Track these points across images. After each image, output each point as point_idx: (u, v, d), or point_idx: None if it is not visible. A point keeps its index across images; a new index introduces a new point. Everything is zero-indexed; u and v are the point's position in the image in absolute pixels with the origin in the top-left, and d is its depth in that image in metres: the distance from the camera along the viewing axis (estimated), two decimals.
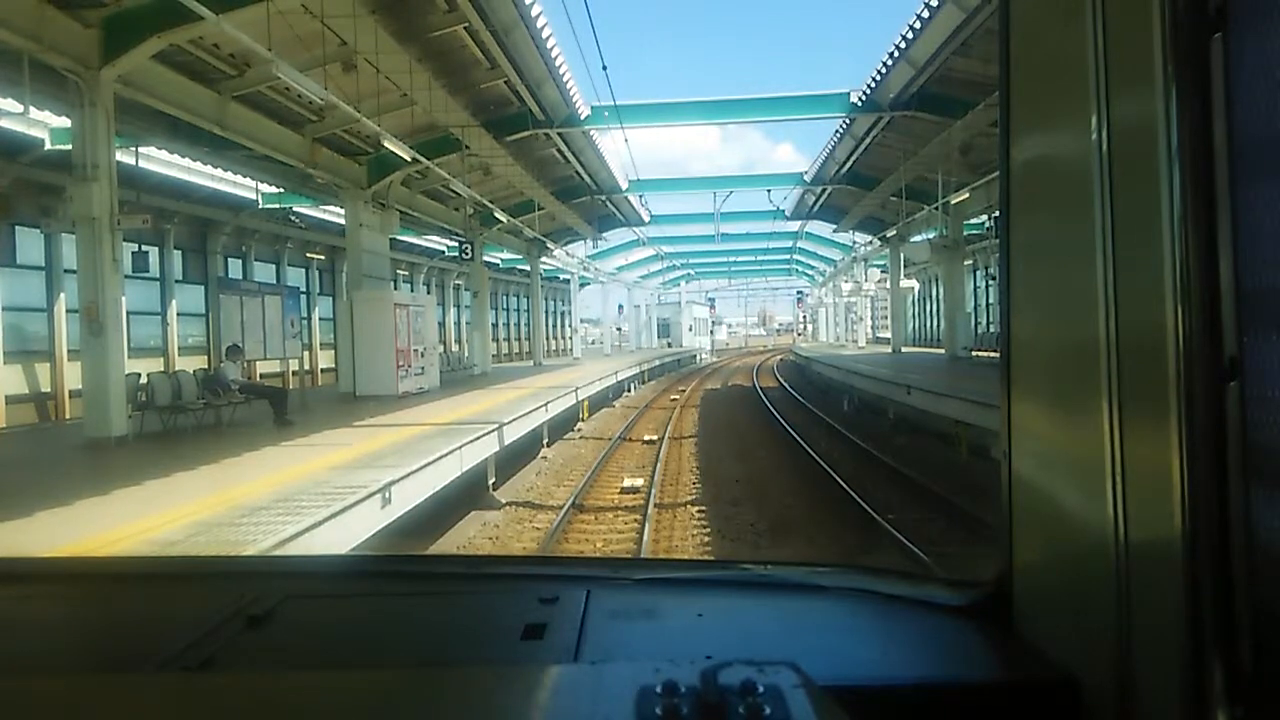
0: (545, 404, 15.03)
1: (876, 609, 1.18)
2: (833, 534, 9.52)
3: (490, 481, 11.59)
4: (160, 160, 16.05)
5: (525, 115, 17.75)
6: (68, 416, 14.97)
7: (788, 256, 51.25)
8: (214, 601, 1.16)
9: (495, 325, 36.74)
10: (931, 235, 24.61)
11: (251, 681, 0.82)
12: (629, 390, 29.47)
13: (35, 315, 15.32)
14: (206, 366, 15.56)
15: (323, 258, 25.13)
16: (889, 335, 35.96)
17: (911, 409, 15.77)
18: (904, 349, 31.97)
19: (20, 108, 10.31)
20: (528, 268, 32.77)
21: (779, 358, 51.49)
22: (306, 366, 20.84)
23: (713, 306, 67.96)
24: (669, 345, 54.05)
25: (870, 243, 32.87)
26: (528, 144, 19.67)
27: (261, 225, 21.93)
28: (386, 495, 7.23)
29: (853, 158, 23.37)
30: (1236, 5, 0.69)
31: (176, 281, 19.26)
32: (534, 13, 13.51)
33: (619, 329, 52.75)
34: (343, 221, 19.52)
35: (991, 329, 26.61)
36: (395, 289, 23.78)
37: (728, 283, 64.78)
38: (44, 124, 13.34)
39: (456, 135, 17.38)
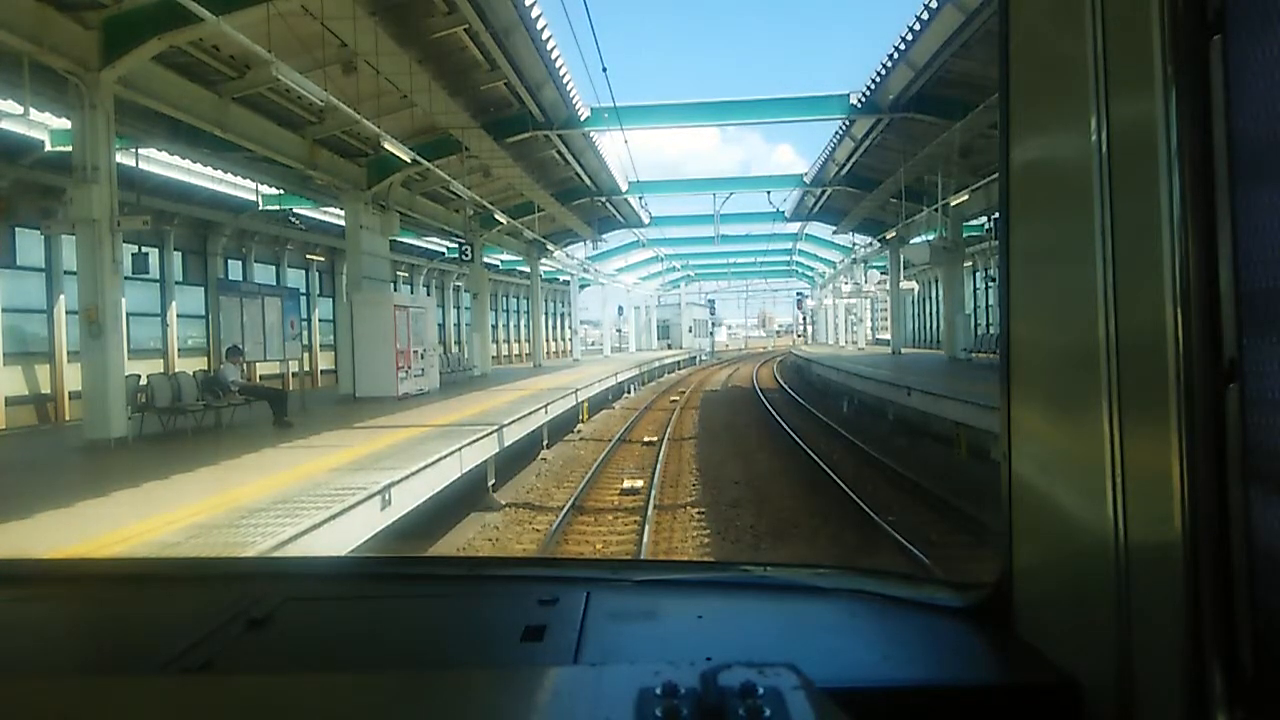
0: (545, 406, 15.04)
1: (876, 611, 1.18)
2: (832, 535, 9.52)
3: (490, 483, 11.58)
4: (160, 162, 16.05)
5: (525, 117, 17.76)
6: (67, 418, 14.96)
7: (787, 258, 51.26)
8: (214, 604, 1.16)
9: (495, 327, 36.74)
10: (931, 237, 24.62)
11: (251, 684, 0.82)
12: (629, 392, 29.48)
13: (35, 317, 15.31)
14: (206, 368, 15.55)
15: (322, 259, 25.12)
16: (889, 337, 35.99)
17: (911, 410, 15.78)
18: (904, 350, 32.00)
19: (20, 109, 10.31)
20: (528, 269, 32.78)
21: (779, 360, 51.50)
22: (306, 368, 20.83)
23: (712, 309, 67.97)
24: (669, 347, 54.06)
25: (870, 244, 32.88)
26: (527, 145, 19.67)
27: (261, 227, 21.92)
28: (386, 497, 7.23)
29: (852, 159, 23.38)
30: (1235, 8, 0.69)
31: (176, 283, 19.24)
32: (534, 14, 13.52)
33: (619, 330, 52.76)
34: (343, 223, 19.53)
35: (991, 331, 26.63)
36: (395, 290, 23.79)
37: (727, 284, 64.85)
38: (44, 126, 13.35)
39: (456, 137, 17.39)
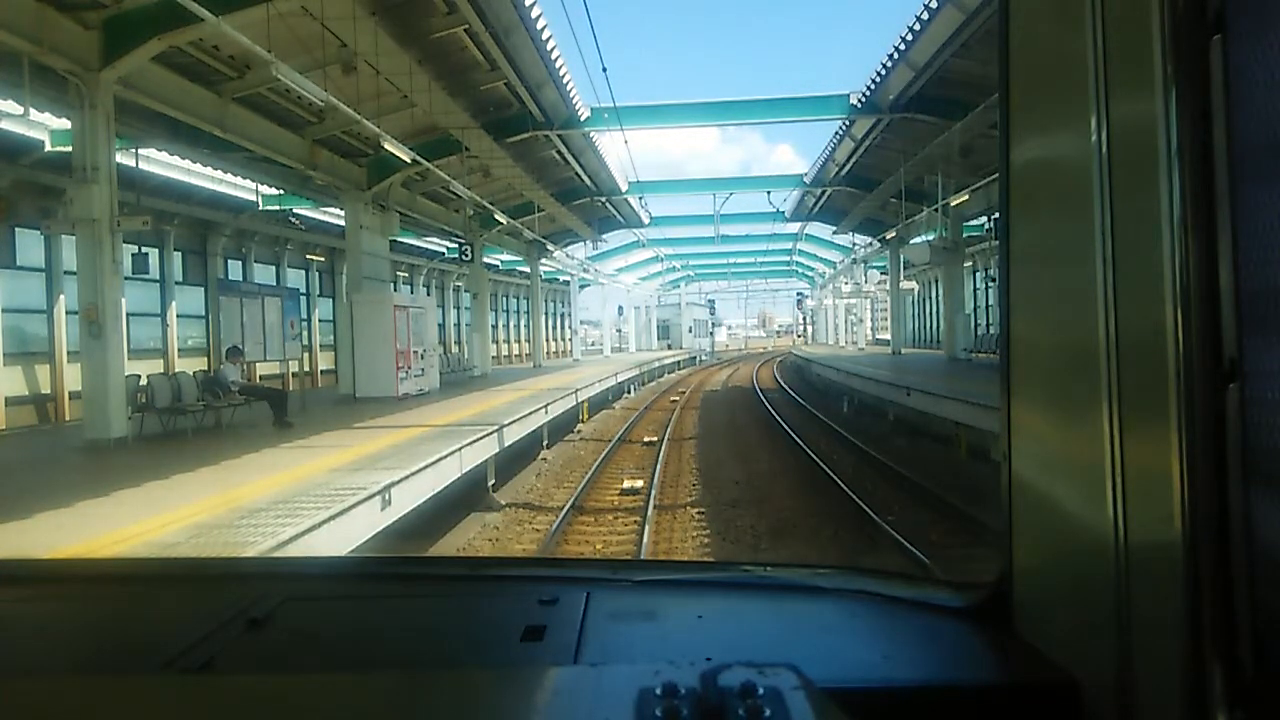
0: (545, 406, 15.04)
1: (876, 611, 1.18)
2: (832, 534, 9.52)
3: (490, 483, 11.58)
4: (160, 162, 16.06)
5: (525, 117, 17.76)
6: (67, 418, 14.96)
7: (787, 258, 51.25)
8: (214, 604, 1.16)
9: (495, 327, 36.74)
10: (931, 237, 24.62)
11: (251, 683, 0.82)
12: (629, 392, 29.49)
13: (35, 317, 15.31)
14: (206, 368, 15.56)
15: (322, 259, 25.14)
16: (889, 337, 36.00)
17: (911, 411, 15.78)
18: (904, 350, 32.01)
19: (20, 109, 10.32)
20: (528, 269, 32.79)
21: (778, 360, 51.49)
22: (306, 368, 20.83)
23: (713, 309, 67.97)
24: (669, 347, 54.06)
25: (870, 244, 32.90)
26: (528, 146, 19.68)
27: (261, 227, 21.93)
28: (386, 497, 7.23)
29: (852, 159, 23.38)
30: (1235, 8, 0.69)
31: (176, 283, 19.25)
32: (534, 15, 13.53)
33: (619, 330, 52.76)
34: (342, 223, 19.53)
35: (991, 330, 26.63)
36: (395, 290, 23.79)
37: (727, 284, 64.86)
38: (44, 126, 13.36)
39: (456, 137, 17.40)
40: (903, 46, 15.21)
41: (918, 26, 14.31)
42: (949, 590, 1.17)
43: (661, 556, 8.88)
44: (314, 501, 6.60)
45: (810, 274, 57.19)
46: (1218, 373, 0.70)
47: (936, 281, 33.99)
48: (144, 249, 14.71)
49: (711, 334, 67.55)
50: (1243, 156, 0.69)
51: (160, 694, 0.78)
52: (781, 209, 30.56)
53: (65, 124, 11.30)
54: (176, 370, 15.81)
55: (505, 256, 33.46)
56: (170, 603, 1.28)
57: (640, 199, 28.80)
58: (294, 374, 18.50)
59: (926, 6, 13.65)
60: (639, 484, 12.45)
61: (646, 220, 32.59)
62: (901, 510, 10.29)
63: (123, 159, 12.41)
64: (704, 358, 57.72)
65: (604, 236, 35.15)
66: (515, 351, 41.02)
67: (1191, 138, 0.71)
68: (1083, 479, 0.88)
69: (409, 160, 15.03)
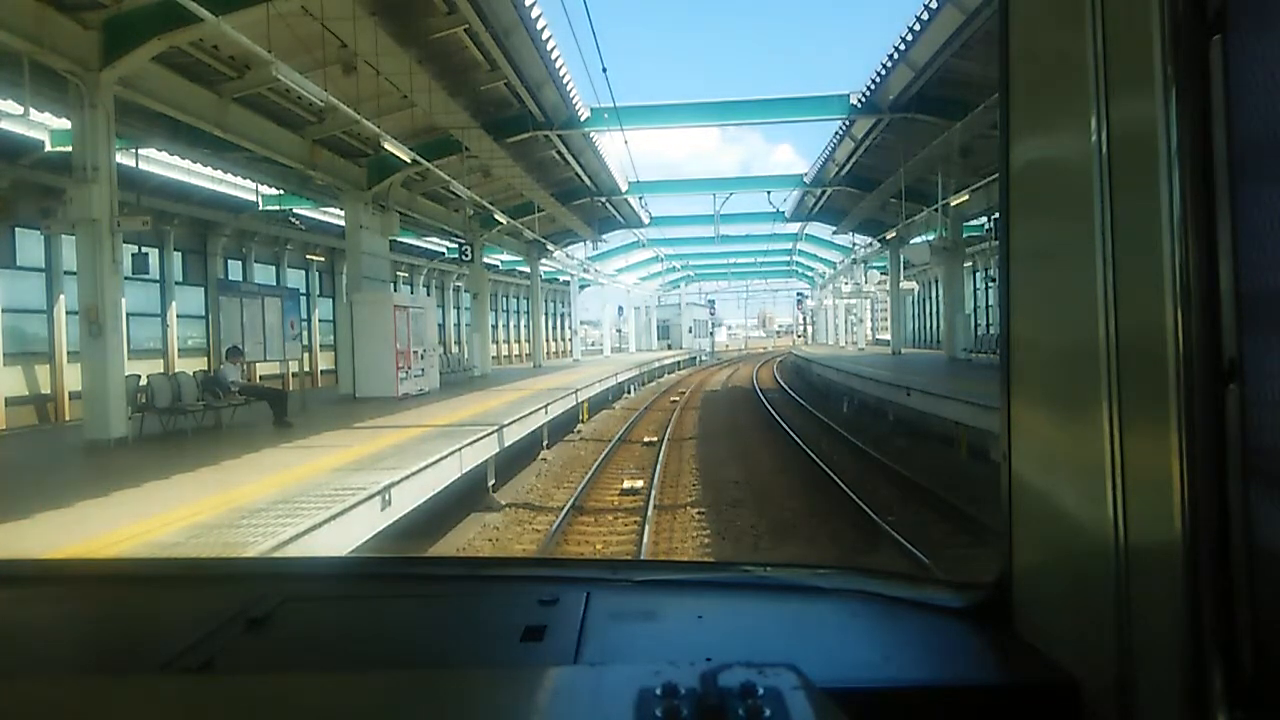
0: (545, 406, 15.04)
1: (877, 611, 1.18)
2: (833, 533, 9.52)
3: (490, 483, 11.58)
4: (160, 162, 16.06)
5: (525, 117, 17.77)
6: (67, 418, 14.97)
7: (787, 258, 51.27)
8: (214, 604, 1.16)
9: (495, 327, 36.75)
10: (931, 237, 24.61)
11: (251, 683, 0.82)
12: (629, 392, 29.50)
13: (35, 317, 15.32)
14: (206, 368, 15.55)
15: (322, 259, 25.14)
16: (889, 337, 36.01)
17: (911, 411, 15.78)
18: (904, 351, 32.02)
19: (21, 109, 10.33)
20: (528, 269, 32.80)
21: (779, 360, 51.49)
22: (306, 368, 20.84)
23: (713, 309, 68.01)
24: (669, 347, 54.07)
25: (870, 244, 32.90)
26: (527, 146, 19.68)
27: (261, 227, 21.94)
28: (386, 497, 7.23)
29: (852, 159, 23.38)
30: (1236, 8, 0.69)
31: (176, 283, 19.26)
32: (534, 15, 13.53)
33: (619, 330, 52.79)
34: (343, 223, 19.54)
35: (991, 331, 26.64)
36: (395, 290, 23.79)
37: (727, 284, 64.90)
38: (44, 126, 13.36)
39: (456, 137, 17.40)
40: (903, 47, 15.20)
41: (918, 27, 14.30)
42: (949, 590, 1.17)
43: (661, 556, 8.88)
44: (314, 501, 6.60)
45: (810, 274, 57.19)
46: (1218, 373, 0.70)
47: (936, 281, 33.99)
48: (144, 249, 14.71)
49: (711, 334, 67.58)
50: (1243, 156, 0.69)
51: (160, 694, 0.78)
52: (781, 209, 30.56)
53: (65, 124, 11.30)
54: (176, 370, 15.81)
55: (505, 256, 33.47)
56: (170, 603, 1.28)
57: (640, 199, 28.80)
58: (294, 374, 18.50)
59: (926, 7, 13.65)
60: (639, 484, 12.44)
61: (646, 220, 32.59)
62: (902, 510, 10.29)
63: (123, 159, 12.42)
64: (704, 358, 57.71)
65: (604, 236, 35.17)
66: (515, 352, 41.02)
67: (1191, 138, 0.71)
68: (1083, 479, 0.87)
69: (409, 160, 15.04)
